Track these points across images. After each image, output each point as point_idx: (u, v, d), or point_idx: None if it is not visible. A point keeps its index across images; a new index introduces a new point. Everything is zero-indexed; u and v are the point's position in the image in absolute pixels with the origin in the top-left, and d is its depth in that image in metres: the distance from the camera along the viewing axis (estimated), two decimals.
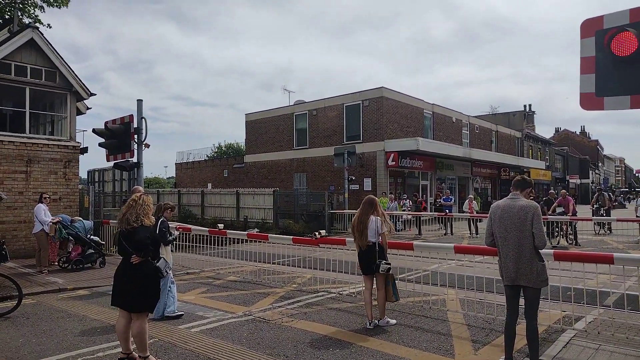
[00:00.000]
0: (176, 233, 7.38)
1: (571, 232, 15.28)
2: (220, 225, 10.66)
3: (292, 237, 10.09)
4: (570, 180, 57.64)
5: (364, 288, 6.46)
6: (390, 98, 24.13)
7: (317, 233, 8.33)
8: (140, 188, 8.80)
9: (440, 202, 20.49)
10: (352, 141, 23.79)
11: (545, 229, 15.37)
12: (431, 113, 27.86)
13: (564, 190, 17.55)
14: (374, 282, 6.22)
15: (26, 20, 18.15)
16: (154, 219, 5.05)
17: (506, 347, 4.64)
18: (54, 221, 10.38)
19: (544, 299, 6.55)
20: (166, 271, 4.94)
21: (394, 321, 6.23)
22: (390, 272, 6.16)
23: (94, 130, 11.52)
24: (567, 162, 58.00)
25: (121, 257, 4.91)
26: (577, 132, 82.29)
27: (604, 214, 18.76)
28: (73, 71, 13.60)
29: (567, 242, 15.19)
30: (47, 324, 6.37)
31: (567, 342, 5.27)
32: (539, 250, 4.49)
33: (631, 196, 51.38)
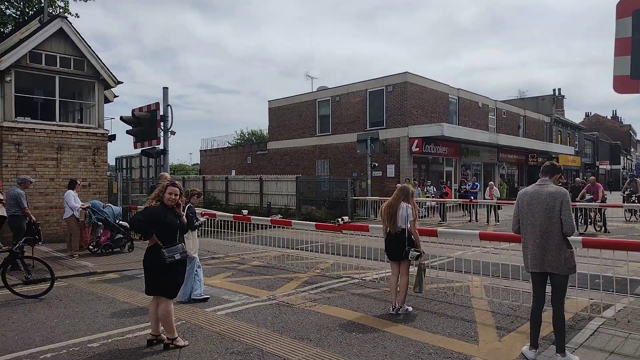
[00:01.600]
0: (202, 219, 7.50)
1: (600, 219, 14.90)
2: (245, 211, 10.79)
3: (315, 223, 10.14)
4: (600, 166, 56.07)
5: (390, 274, 6.47)
6: (414, 83, 23.80)
7: (340, 219, 8.35)
8: (167, 174, 8.96)
9: (465, 188, 20.22)
10: (376, 127, 23.62)
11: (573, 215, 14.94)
12: (456, 98, 27.39)
13: (593, 177, 17.08)
14: (400, 267, 6.21)
15: (54, 11, 18.48)
16: (156, 203, 5.04)
17: (532, 333, 4.60)
18: (84, 207, 10.68)
19: (571, 286, 6.44)
20: (173, 257, 4.85)
21: (411, 308, 6.23)
22: (421, 261, 6.14)
23: (121, 118, 11.76)
24: (597, 148, 56.37)
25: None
26: (609, 117, 79.74)
27: (636, 201, 18.21)
28: (100, 59, 13.84)
29: (596, 229, 14.84)
30: (78, 306, 6.60)
31: (595, 330, 5.19)
32: (567, 237, 4.40)
33: None
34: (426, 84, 24.74)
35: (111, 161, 33.69)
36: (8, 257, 7.39)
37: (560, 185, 4.76)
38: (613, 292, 6.15)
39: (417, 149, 22.64)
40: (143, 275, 5.12)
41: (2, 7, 19.28)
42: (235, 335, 5.28)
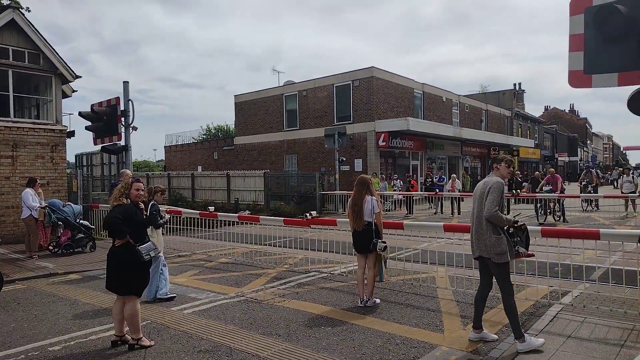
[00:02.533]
0: (167, 216, 7.36)
1: (559, 209, 15.48)
2: (211, 208, 10.66)
3: (283, 218, 10.12)
4: (559, 158, 58.16)
5: (357, 267, 6.53)
6: (380, 78, 24.00)
7: (308, 214, 8.37)
8: (128, 171, 8.76)
9: (430, 181, 20.59)
10: (343, 122, 23.71)
11: (533, 206, 15.44)
12: (421, 93, 27.81)
13: (552, 169, 17.71)
14: (367, 260, 6.28)
15: (4, 2, 17.64)
16: (128, 200, 4.97)
17: (474, 315, 4.90)
18: (42, 206, 10.30)
19: (531, 274, 6.68)
20: (149, 254, 4.87)
21: (378, 300, 6.32)
22: (386, 250, 6.24)
23: (80, 114, 11.36)
24: (556, 140, 58.42)
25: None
26: (566, 111, 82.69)
27: (592, 191, 19.01)
28: (57, 53, 13.33)
29: (555, 219, 15.40)
30: (38, 309, 6.37)
31: (554, 316, 5.39)
32: (494, 223, 4.52)
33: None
34: (392, 79, 25.01)
35: (70, 158, 32.55)
36: None
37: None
38: (570, 279, 6.40)
39: (384, 143, 22.89)
40: (106, 275, 4.97)
41: None
42: (203, 334, 5.22)
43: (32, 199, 10.17)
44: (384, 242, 6.16)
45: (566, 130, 69.42)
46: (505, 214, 4.63)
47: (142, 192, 5.07)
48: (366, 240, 6.15)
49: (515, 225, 4.61)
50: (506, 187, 17.56)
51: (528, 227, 4.79)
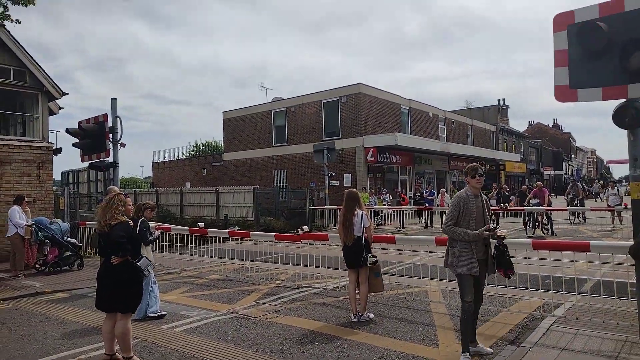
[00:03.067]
0: (157, 233, 7.28)
1: (547, 222, 15.64)
2: (201, 224, 10.56)
3: (274, 234, 10.07)
4: (545, 172, 58.98)
5: (348, 282, 6.50)
6: (367, 94, 24.24)
7: (299, 229, 8.33)
8: (116, 188, 8.62)
9: (419, 196, 20.71)
10: (331, 137, 23.82)
11: (521, 219, 15.56)
12: (408, 108, 28.11)
13: (539, 182, 17.95)
14: (359, 275, 6.25)
15: None
16: (127, 218, 4.96)
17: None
18: (29, 224, 10.12)
19: (524, 287, 6.71)
20: (148, 270, 4.88)
21: (372, 315, 6.29)
22: (377, 264, 6.22)
23: (67, 131, 11.24)
24: (541, 155, 59.31)
25: (101, 259, 4.84)
26: (550, 125, 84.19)
27: (578, 204, 19.28)
28: (44, 70, 13.24)
29: (543, 232, 15.55)
30: (25, 329, 6.22)
31: (548, 329, 5.41)
32: (448, 235, 4.72)
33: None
34: (379, 95, 25.28)
35: (57, 176, 32.16)
36: None
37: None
38: (562, 291, 6.44)
39: (372, 158, 23.02)
40: (95, 293, 4.88)
41: None
42: (195, 352, 5.13)
43: (19, 216, 10.00)
44: (374, 257, 6.15)
45: (550, 144, 70.58)
46: (473, 228, 4.58)
47: (130, 207, 5.09)
48: (357, 254, 6.13)
49: (497, 238, 4.67)
50: (494, 201, 17.80)
51: (517, 239, 4.86)
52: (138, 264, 4.78)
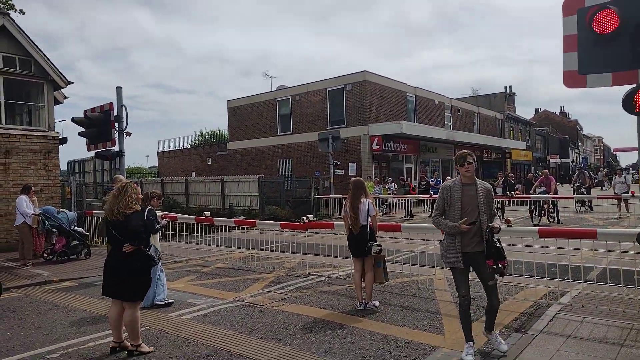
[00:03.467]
0: (164, 221, 7.31)
1: (553, 210, 15.57)
2: (207, 213, 10.60)
3: (280, 222, 10.09)
4: (551, 160, 58.59)
5: (353, 270, 6.52)
6: (372, 82, 24.08)
7: (305, 218, 8.34)
8: (122, 177, 8.67)
9: (425, 184, 20.65)
10: (336, 126, 23.75)
11: (527, 207, 15.47)
12: (414, 96, 27.92)
13: (545, 170, 17.83)
14: (364, 264, 6.26)
15: None
16: (139, 207, 4.99)
17: None
18: (36, 213, 10.19)
19: (530, 275, 6.70)
20: (158, 258, 4.93)
21: (378, 303, 6.29)
22: (382, 253, 6.22)
23: (73, 120, 11.28)
24: (548, 142, 58.89)
25: (109, 247, 4.86)
26: (557, 113, 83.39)
27: (585, 192, 19.16)
28: (49, 59, 13.24)
29: (549, 220, 15.49)
30: (34, 316, 6.29)
31: (553, 317, 5.40)
32: (438, 228, 4.65)
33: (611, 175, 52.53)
34: (384, 83, 25.10)
35: (63, 165, 32.34)
36: None
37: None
38: (569, 279, 6.43)
39: (378, 146, 22.93)
40: (102, 282, 4.92)
41: None
42: (202, 339, 5.18)
43: (26, 205, 10.07)
44: (379, 245, 6.15)
45: (557, 132, 70.00)
46: (470, 218, 4.34)
47: (141, 197, 5.14)
48: (362, 243, 6.13)
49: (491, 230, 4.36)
50: (500, 189, 17.73)
51: (523, 227, 4.78)
52: (149, 252, 4.81)
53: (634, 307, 5.45)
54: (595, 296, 5.97)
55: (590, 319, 5.29)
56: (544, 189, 15.94)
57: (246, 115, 29.00)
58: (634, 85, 4.55)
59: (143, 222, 4.76)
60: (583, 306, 5.69)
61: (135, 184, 5.01)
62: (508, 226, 6.01)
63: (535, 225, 13.77)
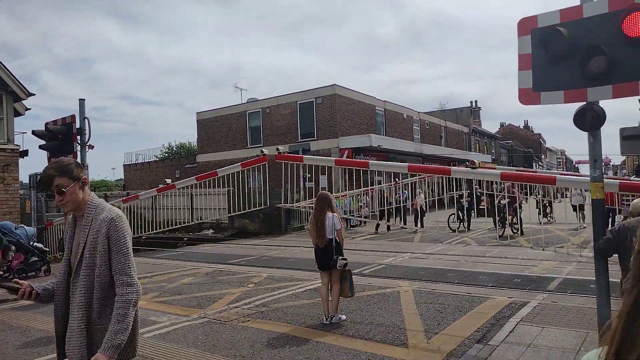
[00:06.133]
0: None
1: (516, 222, 15.95)
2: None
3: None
4: None
5: (321, 284, 6.50)
6: (342, 95, 24.33)
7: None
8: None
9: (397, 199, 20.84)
10: (307, 139, 23.84)
11: (492, 219, 15.67)
12: (383, 110, 28.34)
13: (509, 183, 18.28)
14: (331, 277, 6.26)
15: None
16: None
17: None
18: None
19: (493, 286, 6.84)
20: None
21: (344, 317, 6.30)
22: (347, 267, 6.23)
23: (33, 132, 10.92)
24: (512, 155, 60.61)
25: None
26: (521, 126, 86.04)
27: (547, 204, 19.74)
28: (9, 70, 12.86)
29: (513, 231, 15.86)
30: None
31: (514, 327, 5.52)
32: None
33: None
34: (354, 96, 25.40)
35: (24, 178, 31.16)
36: None
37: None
38: (529, 289, 6.60)
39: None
40: None
41: None
42: (164, 359, 5.05)
43: None
44: (345, 259, 6.17)
45: (521, 145, 72.15)
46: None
47: None
48: (328, 257, 6.14)
49: None
50: (467, 203, 18.09)
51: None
52: None
53: (589, 315, 5.63)
54: (554, 306, 6.15)
55: (549, 328, 5.43)
56: (509, 200, 16.33)
57: (216, 127, 28.76)
58: (584, 103, 4.76)
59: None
60: (543, 316, 5.84)
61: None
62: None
63: (499, 237, 14.10)
